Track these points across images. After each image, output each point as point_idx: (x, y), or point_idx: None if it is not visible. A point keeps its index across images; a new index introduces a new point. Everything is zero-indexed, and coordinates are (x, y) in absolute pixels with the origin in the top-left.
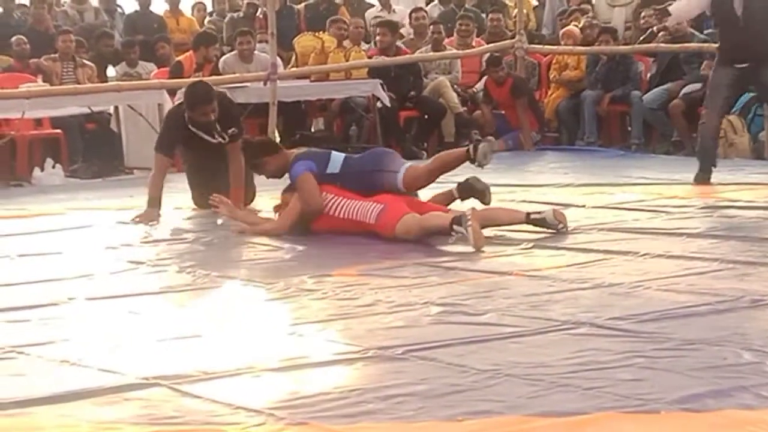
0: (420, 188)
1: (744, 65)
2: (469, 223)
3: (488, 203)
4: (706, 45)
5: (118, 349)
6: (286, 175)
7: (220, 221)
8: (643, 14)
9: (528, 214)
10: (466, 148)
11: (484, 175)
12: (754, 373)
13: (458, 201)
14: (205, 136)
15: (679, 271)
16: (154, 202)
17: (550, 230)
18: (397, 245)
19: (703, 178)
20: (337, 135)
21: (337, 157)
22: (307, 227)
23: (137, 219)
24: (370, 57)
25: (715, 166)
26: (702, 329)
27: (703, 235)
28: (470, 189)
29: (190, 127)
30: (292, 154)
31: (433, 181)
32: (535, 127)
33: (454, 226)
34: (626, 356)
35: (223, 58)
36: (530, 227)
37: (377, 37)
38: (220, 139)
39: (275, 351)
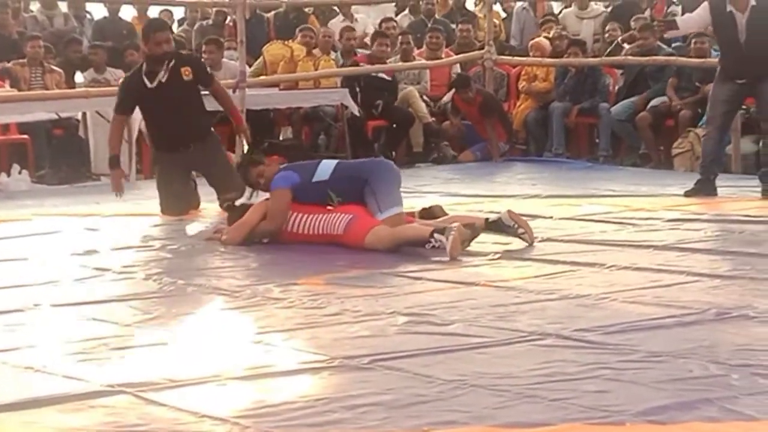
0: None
1: (743, 81)
2: (453, 233)
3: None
4: (673, 58)
5: (84, 357)
6: None
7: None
8: (607, 28)
9: (486, 219)
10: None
11: (453, 185)
12: (719, 385)
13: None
14: (147, 82)
15: (646, 283)
16: (115, 161)
17: (509, 234)
18: (365, 254)
19: (700, 191)
20: (305, 143)
21: (327, 165)
22: (273, 237)
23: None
24: (358, 63)
25: (715, 178)
26: (668, 341)
27: (669, 247)
28: (432, 216)
29: (144, 79)
30: (277, 168)
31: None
32: (503, 138)
33: (435, 235)
34: (592, 368)
35: None
36: (497, 237)
37: (375, 46)
38: (160, 80)
39: (241, 360)
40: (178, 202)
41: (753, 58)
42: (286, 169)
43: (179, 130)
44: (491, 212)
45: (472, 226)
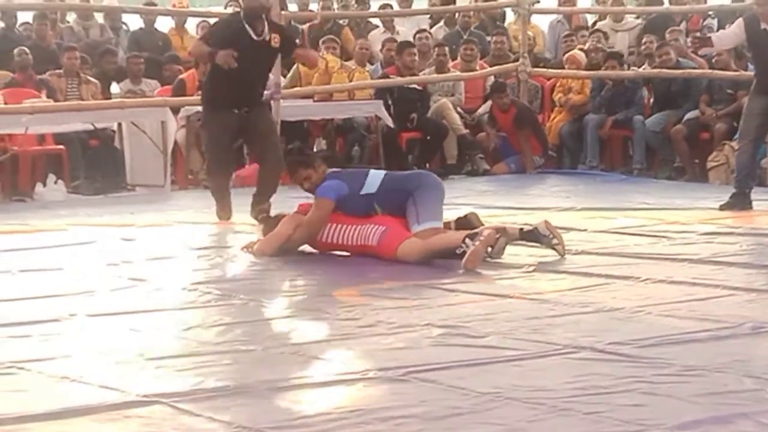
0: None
1: None
2: (477, 242)
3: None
4: (709, 71)
5: (119, 366)
6: None
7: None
8: (644, 40)
9: (521, 229)
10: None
11: (487, 197)
12: (754, 400)
13: None
14: (253, 34)
15: (681, 296)
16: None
17: (543, 244)
18: (399, 266)
19: (735, 205)
20: (339, 155)
21: (375, 177)
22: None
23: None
24: (387, 76)
25: (750, 191)
26: (703, 355)
27: (704, 261)
28: (469, 226)
29: (243, 23)
30: (325, 172)
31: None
32: (538, 151)
33: (466, 240)
34: (627, 381)
35: None
36: (531, 250)
37: (405, 56)
38: (265, 38)
39: (276, 370)
40: (225, 164)
41: None
42: (336, 177)
43: (248, 91)
44: (526, 224)
45: (504, 230)
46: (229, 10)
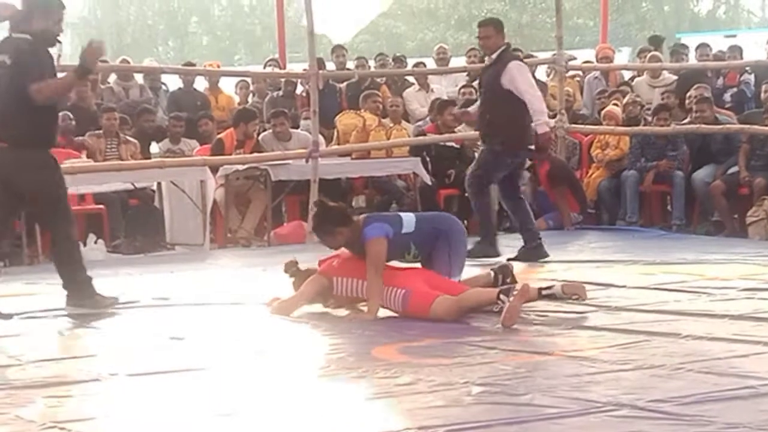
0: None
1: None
2: (512, 297)
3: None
4: (747, 126)
5: (159, 426)
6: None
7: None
8: (664, 97)
9: (539, 290)
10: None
11: None
12: None
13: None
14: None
15: (722, 353)
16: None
17: (564, 300)
18: (436, 323)
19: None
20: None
21: (409, 218)
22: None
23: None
24: (425, 133)
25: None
26: (744, 413)
27: (745, 317)
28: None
29: (40, 47)
30: (360, 220)
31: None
32: (576, 208)
33: (501, 296)
34: None
35: (261, 135)
36: (559, 305)
37: (446, 115)
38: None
39: (315, 429)
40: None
41: (484, 111)
42: (377, 219)
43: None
44: (544, 287)
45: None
46: (269, 69)
